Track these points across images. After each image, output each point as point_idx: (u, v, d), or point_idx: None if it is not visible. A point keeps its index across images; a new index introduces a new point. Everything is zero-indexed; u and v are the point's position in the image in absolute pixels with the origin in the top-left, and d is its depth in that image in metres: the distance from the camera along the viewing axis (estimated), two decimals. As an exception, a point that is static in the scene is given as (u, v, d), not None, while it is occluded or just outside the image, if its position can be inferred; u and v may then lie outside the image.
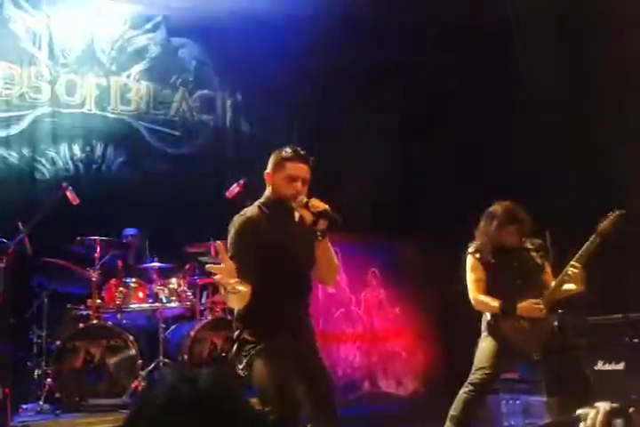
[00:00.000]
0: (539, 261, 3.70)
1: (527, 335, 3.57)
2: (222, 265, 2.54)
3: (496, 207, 3.71)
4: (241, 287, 2.52)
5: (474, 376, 3.56)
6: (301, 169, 2.84)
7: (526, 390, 4.64)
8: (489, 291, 3.63)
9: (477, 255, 3.67)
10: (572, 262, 3.52)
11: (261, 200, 2.93)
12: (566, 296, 3.66)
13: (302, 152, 2.87)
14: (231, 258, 2.70)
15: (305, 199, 2.77)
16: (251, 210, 2.88)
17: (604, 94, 5.29)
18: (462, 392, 3.56)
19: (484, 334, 3.68)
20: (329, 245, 2.86)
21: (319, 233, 2.78)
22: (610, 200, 4.98)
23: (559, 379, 3.68)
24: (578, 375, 3.58)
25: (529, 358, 3.67)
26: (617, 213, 3.54)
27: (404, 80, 6.51)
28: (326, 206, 2.74)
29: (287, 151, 2.87)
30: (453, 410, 3.56)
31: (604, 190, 5.17)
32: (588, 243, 3.53)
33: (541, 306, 3.52)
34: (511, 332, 3.58)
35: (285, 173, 2.83)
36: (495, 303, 3.56)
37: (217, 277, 2.53)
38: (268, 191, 2.92)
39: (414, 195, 6.45)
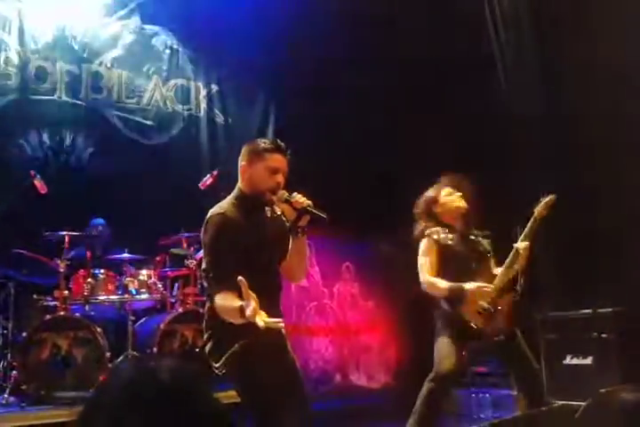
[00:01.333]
0: (488, 247, 3.72)
1: (487, 318, 3.55)
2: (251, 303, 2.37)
3: (434, 191, 3.71)
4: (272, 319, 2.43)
5: (438, 369, 3.50)
6: (281, 161, 2.74)
7: (495, 383, 4.69)
8: (442, 274, 3.58)
9: (435, 237, 3.60)
10: (516, 245, 3.53)
11: (235, 194, 2.80)
12: (513, 278, 3.67)
13: (281, 143, 2.79)
14: (205, 257, 2.68)
15: (286, 194, 2.68)
16: (227, 206, 2.74)
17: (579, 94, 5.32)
18: (427, 386, 3.50)
19: (440, 323, 3.62)
20: (305, 241, 2.80)
21: (299, 230, 2.71)
22: (584, 199, 5.05)
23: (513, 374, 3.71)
24: (528, 373, 3.59)
25: (488, 340, 3.63)
26: (550, 197, 3.60)
27: (386, 69, 6.48)
28: (309, 202, 2.67)
29: (265, 142, 2.78)
30: (418, 405, 3.53)
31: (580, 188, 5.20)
32: (527, 228, 3.56)
33: (489, 289, 3.51)
34: (471, 314, 3.54)
35: (266, 164, 2.71)
36: (444, 285, 3.49)
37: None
38: (241, 185, 2.80)
39: (388, 189, 6.45)
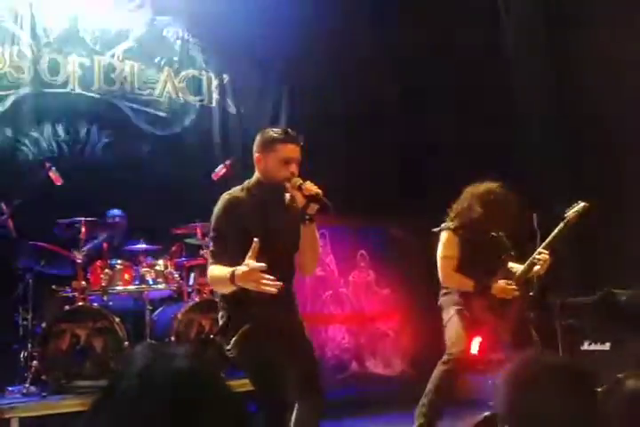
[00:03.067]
0: (508, 243, 3.73)
1: (498, 316, 3.59)
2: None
3: (479, 188, 3.68)
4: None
5: (451, 352, 3.55)
6: (294, 150, 2.79)
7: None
8: (461, 269, 3.63)
9: (460, 232, 3.65)
10: (539, 249, 3.58)
11: (250, 182, 2.86)
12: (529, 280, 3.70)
13: (293, 133, 2.82)
14: (211, 233, 2.77)
15: (299, 181, 2.71)
16: (238, 190, 2.84)
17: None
18: (439, 369, 3.55)
19: (452, 309, 3.66)
20: (315, 231, 2.81)
21: (307, 217, 2.72)
22: (596, 185, 5.02)
23: None
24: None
25: (496, 338, 3.67)
26: (582, 204, 3.65)
27: (400, 60, 6.45)
28: (319, 191, 2.69)
29: (277, 132, 2.81)
30: (430, 387, 3.56)
31: (591, 177, 5.18)
32: (555, 231, 3.60)
33: (515, 287, 3.55)
34: (482, 311, 3.59)
35: (279, 155, 2.76)
36: (469, 281, 3.57)
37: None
38: (257, 174, 2.86)
39: (403, 176, 6.43)
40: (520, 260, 3.76)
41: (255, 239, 2.53)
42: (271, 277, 2.52)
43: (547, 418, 1.14)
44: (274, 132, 2.82)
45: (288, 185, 2.73)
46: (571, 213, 3.64)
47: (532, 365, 1.18)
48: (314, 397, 2.82)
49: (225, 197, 2.81)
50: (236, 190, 2.84)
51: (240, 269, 2.51)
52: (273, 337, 2.70)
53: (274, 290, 2.53)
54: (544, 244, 3.62)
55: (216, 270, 2.66)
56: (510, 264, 3.74)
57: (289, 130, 2.84)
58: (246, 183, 2.88)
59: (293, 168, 2.75)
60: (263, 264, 2.51)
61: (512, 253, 3.78)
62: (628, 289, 4.07)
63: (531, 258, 3.62)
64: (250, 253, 2.53)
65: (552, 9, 5.59)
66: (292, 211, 2.81)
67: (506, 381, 1.19)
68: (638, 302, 3.83)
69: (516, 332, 3.64)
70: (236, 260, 2.58)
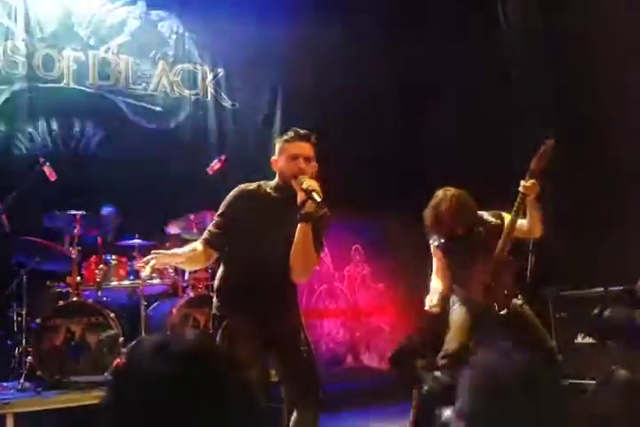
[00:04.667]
0: (485, 233, 3.66)
1: (490, 291, 3.58)
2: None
3: (439, 201, 3.66)
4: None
5: (448, 347, 3.56)
6: (302, 147, 2.83)
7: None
8: (453, 272, 3.73)
9: (436, 243, 3.76)
10: (521, 182, 3.42)
11: (270, 182, 2.92)
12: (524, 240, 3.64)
13: (302, 131, 2.87)
14: (215, 217, 2.92)
15: (304, 178, 2.73)
16: (253, 184, 2.91)
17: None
18: (437, 364, 3.56)
19: (453, 307, 3.72)
20: (308, 233, 2.71)
21: (300, 214, 2.69)
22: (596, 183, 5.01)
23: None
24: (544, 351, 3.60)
25: (493, 313, 3.64)
26: (545, 145, 3.40)
27: (399, 57, 6.43)
28: (315, 186, 2.67)
29: (288, 134, 2.89)
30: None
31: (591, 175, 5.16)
32: (522, 182, 3.41)
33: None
34: (476, 287, 3.60)
35: (286, 153, 2.83)
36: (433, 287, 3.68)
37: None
38: (276, 178, 2.92)
39: (398, 170, 6.42)
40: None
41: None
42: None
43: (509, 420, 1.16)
44: (285, 134, 2.91)
45: (294, 182, 2.74)
46: (534, 160, 3.41)
47: (497, 373, 1.18)
48: (310, 404, 2.80)
49: (240, 186, 2.91)
50: (252, 184, 2.92)
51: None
52: (259, 338, 2.70)
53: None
54: (527, 176, 3.39)
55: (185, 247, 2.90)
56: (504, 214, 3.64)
57: (298, 129, 2.89)
58: (265, 182, 2.93)
59: (301, 164, 2.78)
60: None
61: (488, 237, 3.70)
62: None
63: (516, 202, 3.43)
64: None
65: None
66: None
67: (471, 385, 1.20)
68: None
69: (512, 325, 3.61)
70: (225, 246, 2.77)
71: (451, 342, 3.58)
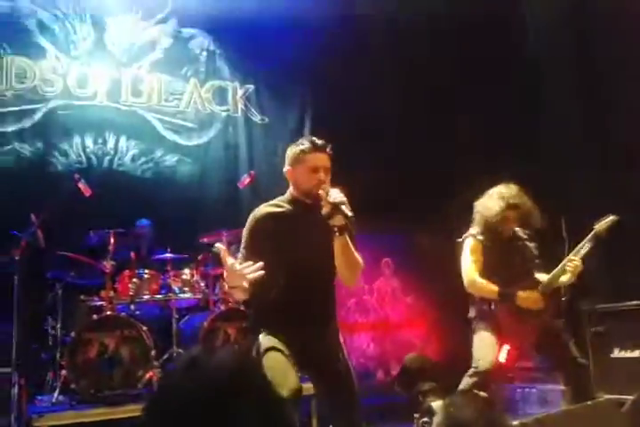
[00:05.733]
0: (535, 251, 3.68)
1: (521, 324, 3.52)
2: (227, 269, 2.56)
3: (500, 190, 3.64)
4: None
5: (478, 364, 3.46)
6: (321, 159, 2.75)
7: (542, 378, 4.60)
8: (484, 276, 3.57)
9: (480, 237, 3.61)
10: (569, 257, 3.51)
11: (284, 196, 2.85)
12: (558, 286, 3.64)
13: (319, 142, 2.78)
14: (241, 249, 2.77)
15: (327, 188, 2.66)
16: (265, 207, 2.82)
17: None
18: (466, 382, 3.46)
19: (477, 320, 3.62)
20: (348, 242, 2.69)
21: (335, 228, 2.64)
22: (625, 188, 4.94)
23: (559, 370, 3.66)
24: (574, 366, 3.53)
25: (523, 345, 3.60)
26: (612, 217, 3.58)
27: (427, 66, 6.43)
28: (342, 199, 2.61)
29: (304, 143, 2.78)
30: None
31: (619, 180, 5.10)
32: (584, 241, 3.55)
33: (539, 297, 3.49)
34: (506, 318, 3.52)
35: (306, 165, 2.74)
36: (494, 288, 3.50)
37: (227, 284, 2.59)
38: (290, 188, 2.85)
39: (427, 184, 6.39)
40: (546, 267, 3.70)
41: (218, 245, 2.62)
42: (251, 266, 2.51)
43: None
44: (301, 144, 2.80)
45: (321, 193, 2.67)
46: (600, 225, 3.57)
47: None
48: (349, 422, 2.74)
49: (254, 214, 2.79)
50: (265, 206, 2.82)
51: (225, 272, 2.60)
52: (297, 354, 2.63)
53: (256, 274, 2.49)
54: (574, 251, 3.55)
55: None
56: (537, 274, 3.67)
57: (315, 139, 2.80)
58: (279, 198, 2.86)
59: (322, 176, 2.72)
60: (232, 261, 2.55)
61: (537, 260, 3.71)
62: None
63: (561, 265, 3.54)
64: (224, 257, 2.55)
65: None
66: (325, 224, 2.71)
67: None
68: None
69: (545, 340, 3.57)
70: (266, 274, 2.55)
71: (480, 359, 3.50)
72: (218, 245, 2.63)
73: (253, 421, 1.04)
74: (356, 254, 2.76)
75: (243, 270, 2.49)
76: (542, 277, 3.63)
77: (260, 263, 2.50)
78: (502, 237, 3.62)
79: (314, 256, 2.72)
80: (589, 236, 3.55)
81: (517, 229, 3.68)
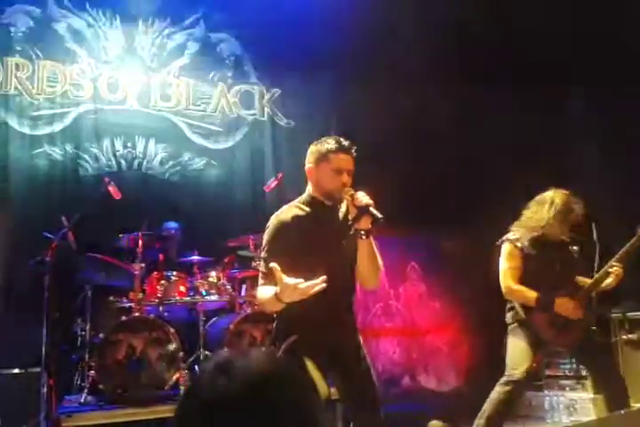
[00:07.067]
0: (577, 256, 3.62)
1: (561, 331, 3.46)
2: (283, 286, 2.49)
3: (554, 195, 3.58)
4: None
5: (513, 373, 3.40)
6: (346, 160, 2.70)
7: (571, 386, 4.54)
8: (524, 282, 3.51)
9: (518, 244, 3.55)
10: (611, 262, 3.45)
11: (303, 197, 2.82)
12: (599, 292, 3.58)
13: (345, 142, 2.74)
14: (262, 254, 2.74)
15: (351, 191, 2.64)
16: (286, 210, 2.77)
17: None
18: (499, 391, 3.40)
19: (514, 326, 3.56)
20: (373, 245, 2.68)
21: (362, 232, 2.62)
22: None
23: (596, 378, 3.60)
24: (611, 375, 3.47)
25: (560, 353, 3.56)
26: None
27: (453, 73, 6.40)
28: (370, 202, 2.58)
29: (329, 142, 2.74)
30: (487, 408, 3.43)
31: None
32: (627, 245, 3.47)
33: (577, 306, 3.42)
34: (544, 326, 3.46)
35: (331, 166, 2.69)
36: (532, 294, 3.44)
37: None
38: (310, 187, 2.80)
39: (455, 187, 6.36)
40: (585, 273, 3.64)
41: (272, 264, 2.50)
42: (315, 282, 2.46)
43: None
44: (326, 142, 2.75)
45: (343, 195, 2.65)
46: None
47: None
48: (371, 422, 2.75)
49: (274, 220, 2.75)
50: (284, 209, 2.79)
51: (278, 290, 2.49)
52: (322, 356, 2.60)
53: (320, 288, 2.46)
54: (616, 257, 3.48)
55: (263, 291, 2.63)
56: (580, 278, 3.61)
57: (341, 139, 2.75)
58: (298, 199, 2.82)
59: (345, 178, 2.68)
60: (298, 280, 2.45)
61: (580, 267, 3.65)
62: None
63: (602, 270, 3.48)
64: (277, 276, 2.47)
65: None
66: (346, 225, 2.71)
67: None
68: None
69: (583, 349, 3.51)
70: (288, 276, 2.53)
71: (515, 369, 3.42)
72: (273, 265, 2.51)
73: (289, 422, 1.04)
74: (379, 257, 2.76)
75: (306, 289, 2.45)
76: (584, 281, 3.57)
77: (322, 278, 2.48)
78: (547, 244, 3.56)
79: (335, 258, 2.71)
80: (633, 240, 3.47)
81: (564, 235, 3.62)
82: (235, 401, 1.02)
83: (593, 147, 5.71)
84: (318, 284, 2.46)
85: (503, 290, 3.54)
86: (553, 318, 3.45)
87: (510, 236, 3.61)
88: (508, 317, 3.61)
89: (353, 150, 2.75)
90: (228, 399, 1.03)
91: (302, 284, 2.45)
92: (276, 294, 2.50)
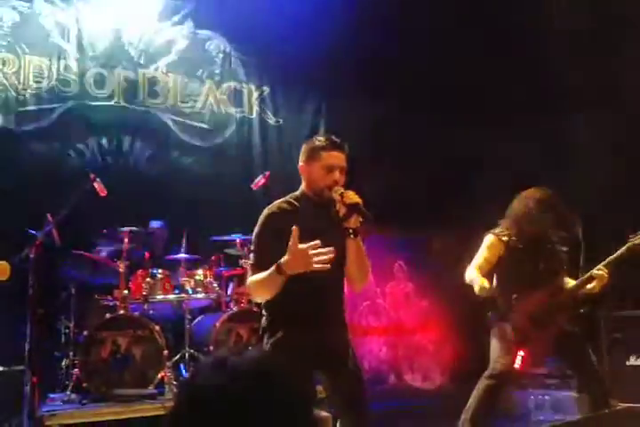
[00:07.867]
0: (563, 256, 3.64)
1: (539, 329, 3.48)
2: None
3: (535, 191, 3.61)
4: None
5: (494, 367, 3.46)
6: (338, 157, 2.72)
7: (555, 385, 4.56)
8: (509, 278, 3.53)
9: (504, 238, 3.55)
10: (599, 267, 3.47)
11: (295, 193, 2.82)
12: (584, 295, 3.60)
13: (337, 140, 2.75)
14: (252, 248, 2.73)
15: (341, 190, 2.64)
16: (278, 204, 2.78)
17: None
18: (482, 385, 3.45)
19: (494, 323, 3.59)
20: (361, 244, 2.70)
21: (350, 231, 2.63)
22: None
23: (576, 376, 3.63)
24: (591, 375, 3.49)
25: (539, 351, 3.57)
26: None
27: (439, 67, 6.41)
28: (359, 200, 2.59)
29: (321, 140, 2.75)
30: (472, 403, 3.46)
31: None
32: (617, 253, 3.50)
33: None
34: (523, 323, 3.49)
35: (322, 163, 2.71)
36: (480, 281, 3.34)
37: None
38: (303, 184, 2.82)
39: (443, 187, 6.37)
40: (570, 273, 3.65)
41: (294, 227, 2.45)
42: (322, 250, 2.43)
43: None
44: (318, 140, 2.76)
45: (333, 193, 2.65)
46: (634, 240, 3.50)
47: None
48: (358, 419, 2.75)
49: (266, 211, 2.75)
50: (278, 203, 2.78)
51: (285, 258, 2.46)
52: (309, 354, 2.59)
53: (327, 265, 2.45)
54: (604, 262, 3.49)
55: (256, 276, 2.62)
56: (566, 279, 3.63)
57: (333, 137, 2.77)
58: (290, 195, 2.82)
59: (337, 176, 2.69)
60: (312, 243, 2.43)
61: (565, 267, 3.66)
62: None
63: (587, 274, 3.50)
64: (291, 240, 2.45)
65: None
66: (337, 224, 2.70)
67: None
68: None
69: (562, 346, 3.53)
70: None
71: (497, 362, 3.48)
72: (294, 227, 2.47)
73: (280, 420, 1.04)
74: (368, 259, 2.77)
75: (313, 258, 2.43)
76: (569, 282, 3.60)
77: (330, 249, 2.46)
78: (532, 240, 3.57)
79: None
80: (622, 249, 3.49)
81: (550, 232, 3.63)
82: (230, 400, 1.02)
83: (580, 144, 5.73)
84: (325, 253, 2.44)
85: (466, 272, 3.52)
86: (532, 316, 3.47)
87: (497, 230, 3.61)
88: (490, 314, 3.64)
89: (345, 147, 2.76)
90: (224, 398, 1.02)
91: (312, 250, 2.43)
92: (279, 265, 2.47)
